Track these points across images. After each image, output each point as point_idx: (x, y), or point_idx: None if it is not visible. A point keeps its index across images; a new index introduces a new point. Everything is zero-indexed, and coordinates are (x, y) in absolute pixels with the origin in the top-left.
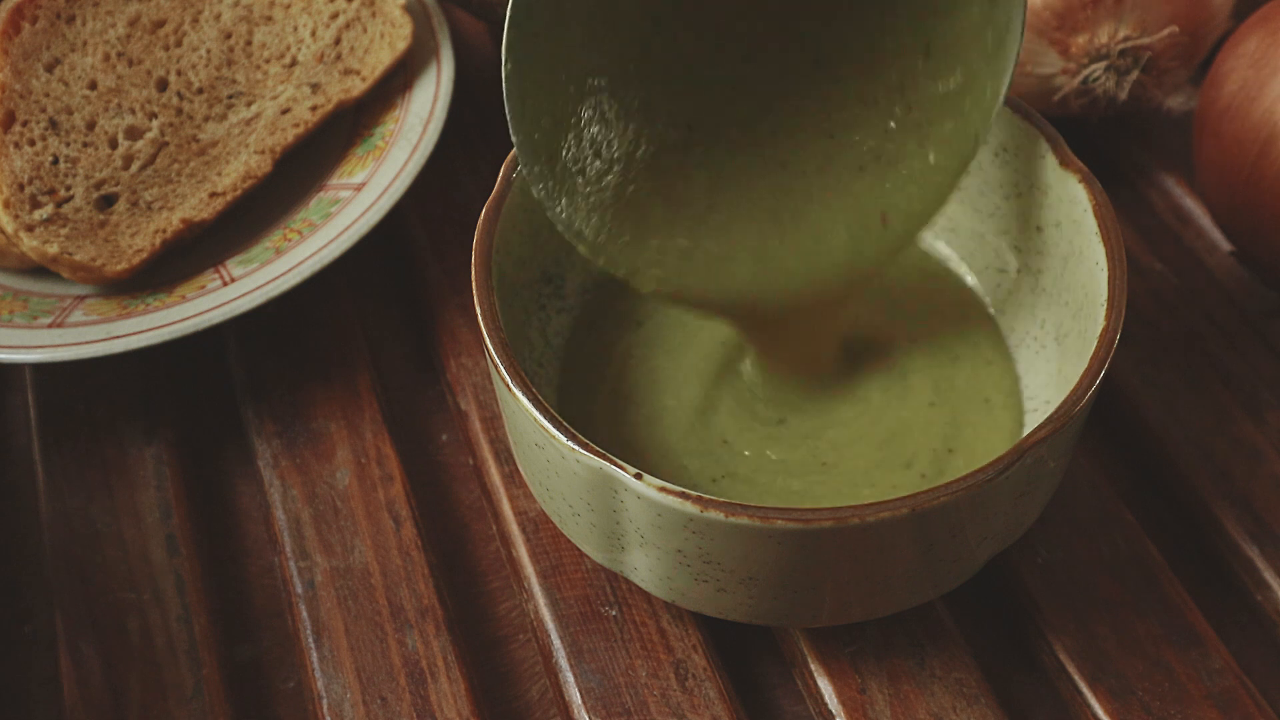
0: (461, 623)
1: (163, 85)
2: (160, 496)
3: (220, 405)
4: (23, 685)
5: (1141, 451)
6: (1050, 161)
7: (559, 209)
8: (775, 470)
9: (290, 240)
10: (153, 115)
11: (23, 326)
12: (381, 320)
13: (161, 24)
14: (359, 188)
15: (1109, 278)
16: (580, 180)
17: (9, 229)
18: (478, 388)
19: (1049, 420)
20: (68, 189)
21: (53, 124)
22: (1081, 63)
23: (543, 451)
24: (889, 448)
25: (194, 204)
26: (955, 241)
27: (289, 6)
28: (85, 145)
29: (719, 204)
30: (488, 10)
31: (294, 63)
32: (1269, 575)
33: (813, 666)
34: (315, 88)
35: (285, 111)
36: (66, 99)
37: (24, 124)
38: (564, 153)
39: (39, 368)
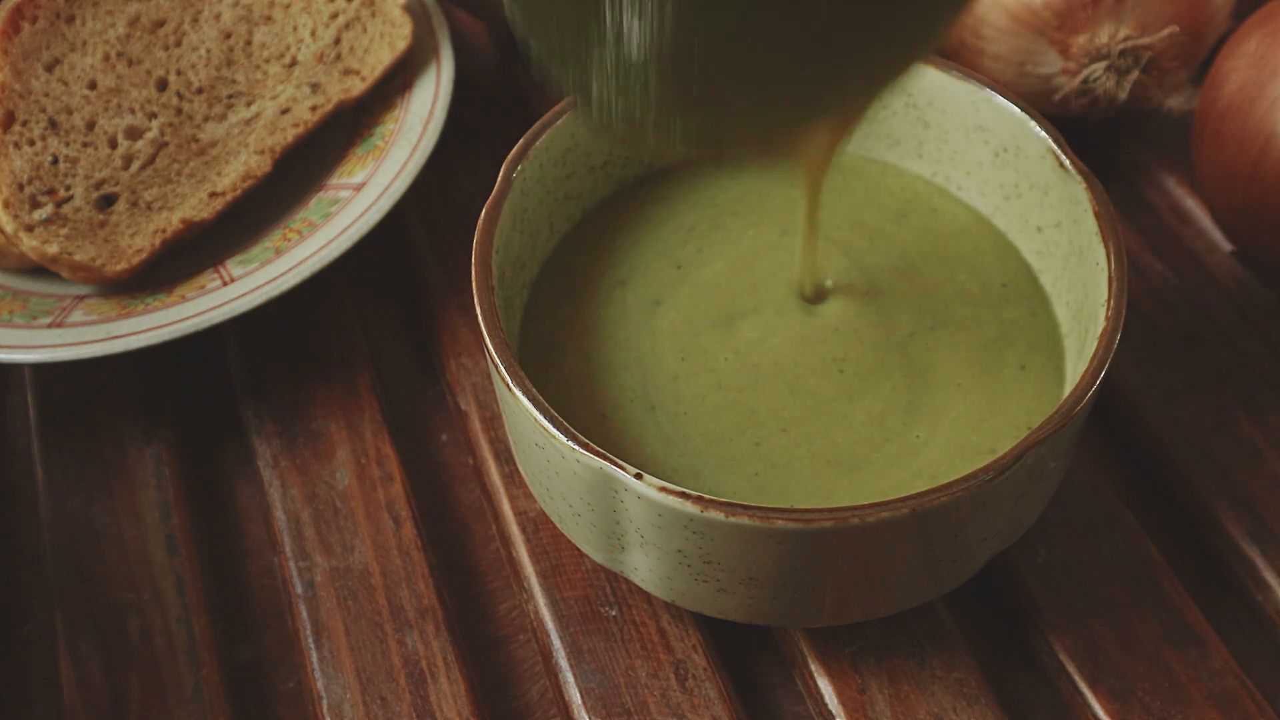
0: (461, 623)
1: (162, 85)
2: (160, 496)
3: (220, 405)
4: (23, 685)
5: (1141, 451)
6: (1051, 161)
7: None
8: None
9: (290, 240)
10: (152, 115)
11: (23, 326)
12: (381, 320)
13: (161, 24)
14: (359, 188)
15: (1109, 278)
16: None
17: (9, 229)
18: (478, 388)
19: (1049, 420)
20: (67, 189)
21: (52, 124)
22: (1082, 63)
23: (543, 451)
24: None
25: (194, 204)
26: None
27: (289, 6)
28: (85, 145)
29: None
30: (488, 10)
31: (294, 63)
32: (1269, 575)
33: (813, 666)
34: (315, 88)
35: (285, 111)
36: (66, 99)
37: (24, 124)
38: None
39: (39, 368)
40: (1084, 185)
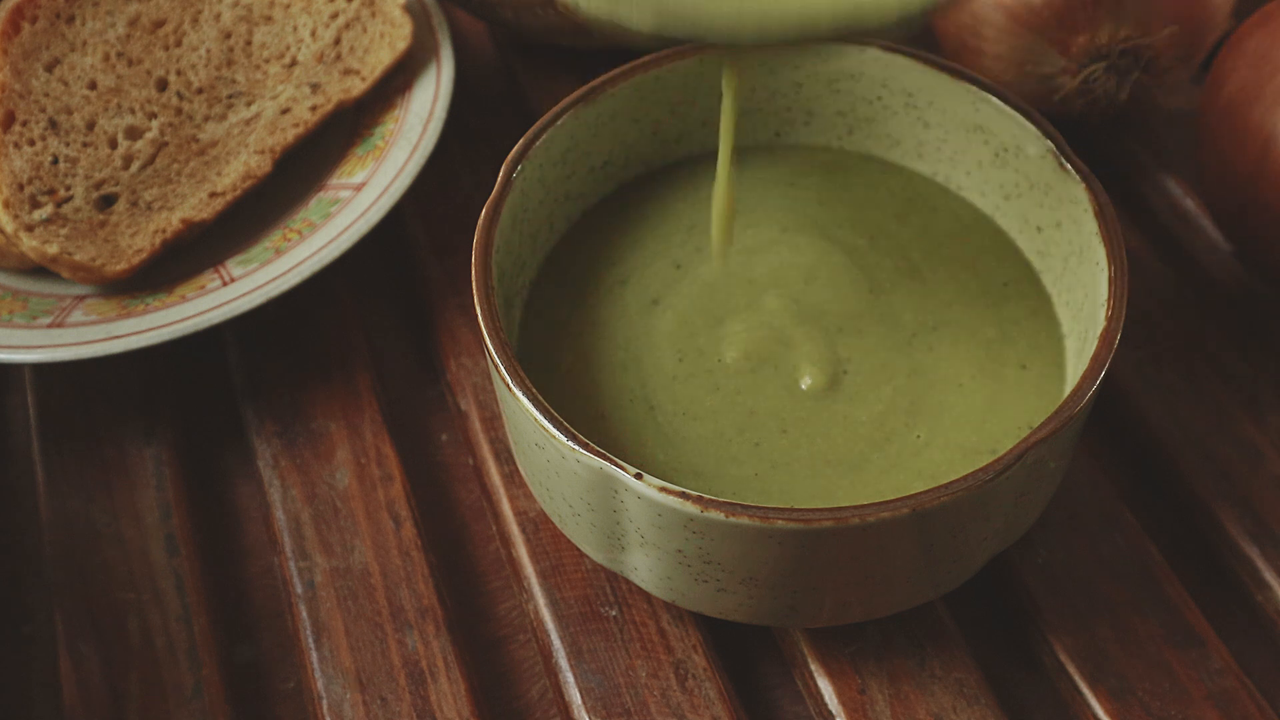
0: (461, 623)
1: (162, 85)
2: (160, 496)
3: (220, 405)
4: (23, 685)
5: (1141, 451)
6: (1051, 161)
7: None
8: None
9: (290, 240)
10: (153, 115)
11: (23, 326)
12: (381, 320)
13: (161, 24)
14: (359, 188)
15: (1109, 278)
16: None
17: (9, 229)
18: (478, 388)
19: (1049, 420)
20: (68, 189)
21: (52, 124)
22: (1082, 62)
23: (543, 451)
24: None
25: (194, 204)
26: None
27: (289, 6)
28: (85, 145)
29: None
30: (488, 10)
31: (294, 63)
32: (1269, 575)
33: (813, 666)
34: (315, 88)
35: (285, 111)
36: (66, 99)
37: (24, 124)
38: None
39: (39, 368)
40: (1084, 185)
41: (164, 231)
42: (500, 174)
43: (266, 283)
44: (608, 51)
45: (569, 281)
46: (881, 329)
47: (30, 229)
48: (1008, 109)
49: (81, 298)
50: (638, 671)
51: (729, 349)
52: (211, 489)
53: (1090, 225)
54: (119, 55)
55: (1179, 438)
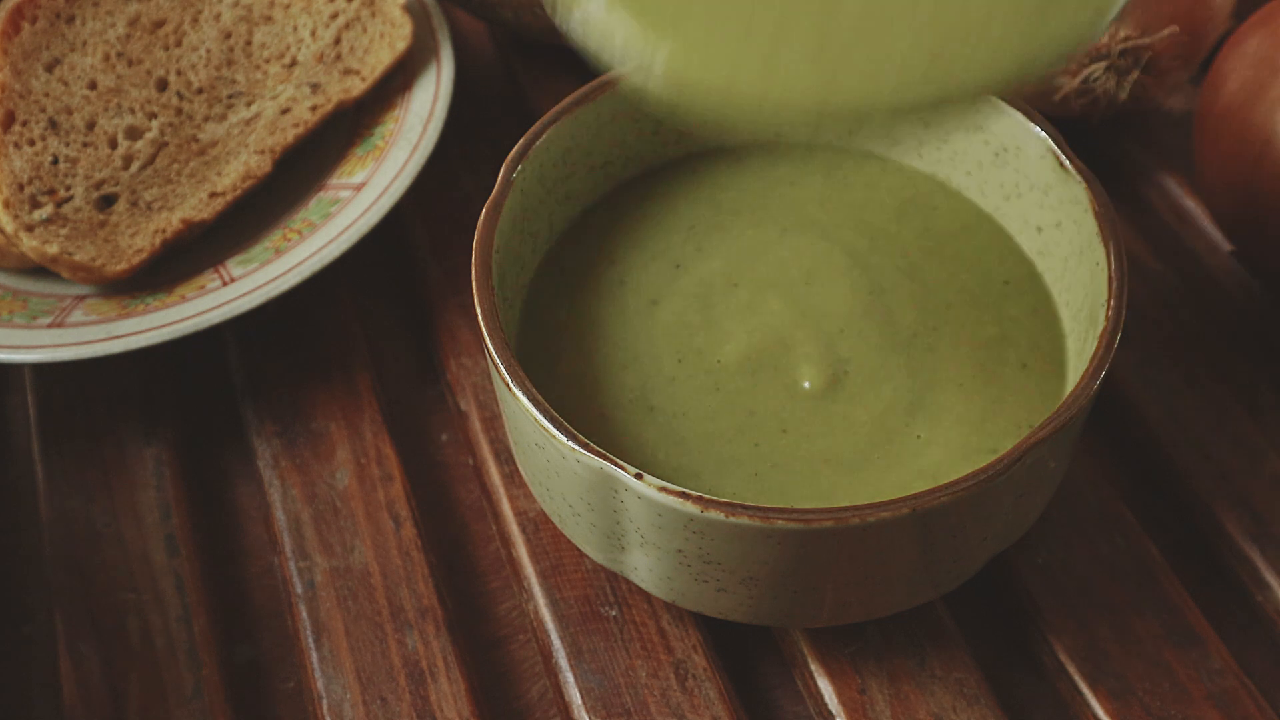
0: (461, 623)
1: (163, 85)
2: (160, 496)
3: (220, 405)
4: (23, 685)
5: (1141, 451)
6: (1051, 162)
7: None
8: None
9: (290, 240)
10: (153, 115)
11: (23, 326)
12: (381, 320)
13: (161, 24)
14: (359, 188)
15: (1109, 278)
16: None
17: (9, 229)
18: (478, 388)
19: (1049, 420)
20: (67, 189)
21: (52, 124)
22: (1082, 63)
23: (543, 451)
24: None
25: (194, 204)
26: None
27: (289, 6)
28: (85, 145)
29: None
30: (488, 10)
31: (294, 63)
32: (1269, 575)
33: (813, 666)
34: (315, 88)
35: (285, 111)
36: (66, 99)
37: (24, 124)
38: None
39: (39, 368)
40: (1084, 185)
41: (164, 231)
42: (500, 174)
43: (266, 283)
44: None
45: (568, 281)
46: (881, 329)
47: (30, 229)
48: (1008, 109)
49: (81, 298)
50: (638, 671)
51: (729, 349)
52: (211, 489)
53: (1090, 225)
54: (119, 55)
55: (1179, 438)
